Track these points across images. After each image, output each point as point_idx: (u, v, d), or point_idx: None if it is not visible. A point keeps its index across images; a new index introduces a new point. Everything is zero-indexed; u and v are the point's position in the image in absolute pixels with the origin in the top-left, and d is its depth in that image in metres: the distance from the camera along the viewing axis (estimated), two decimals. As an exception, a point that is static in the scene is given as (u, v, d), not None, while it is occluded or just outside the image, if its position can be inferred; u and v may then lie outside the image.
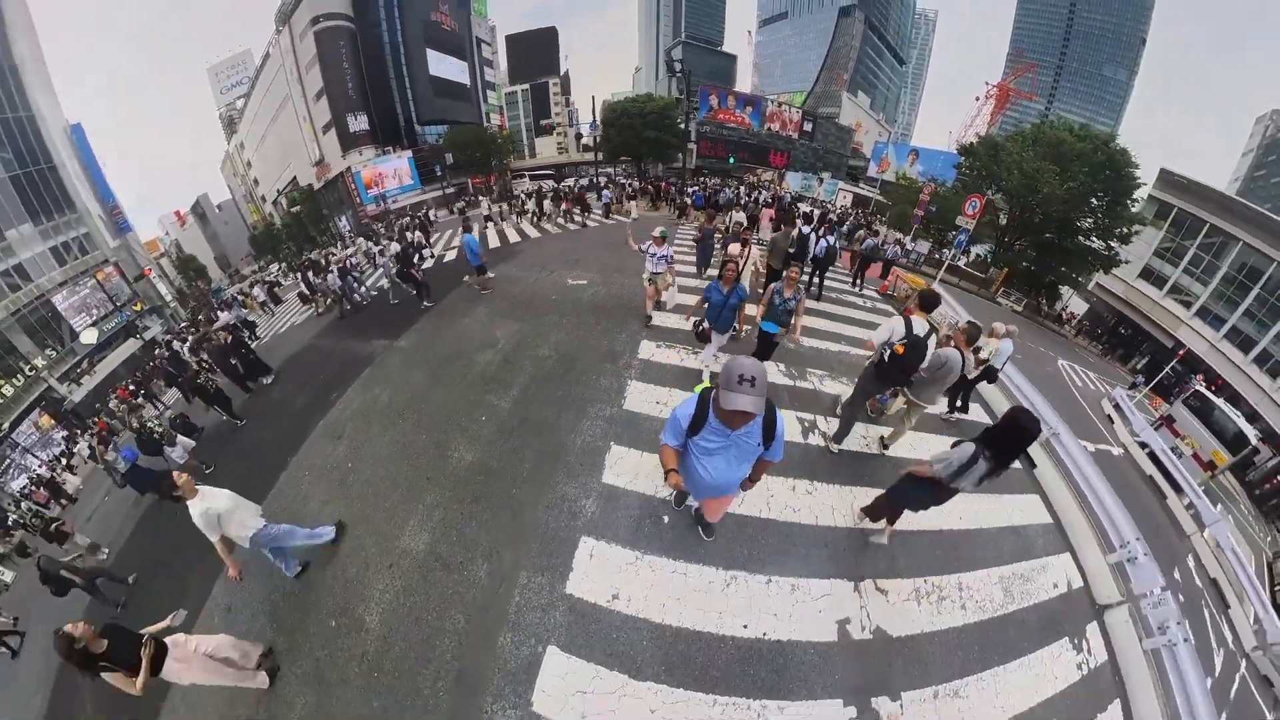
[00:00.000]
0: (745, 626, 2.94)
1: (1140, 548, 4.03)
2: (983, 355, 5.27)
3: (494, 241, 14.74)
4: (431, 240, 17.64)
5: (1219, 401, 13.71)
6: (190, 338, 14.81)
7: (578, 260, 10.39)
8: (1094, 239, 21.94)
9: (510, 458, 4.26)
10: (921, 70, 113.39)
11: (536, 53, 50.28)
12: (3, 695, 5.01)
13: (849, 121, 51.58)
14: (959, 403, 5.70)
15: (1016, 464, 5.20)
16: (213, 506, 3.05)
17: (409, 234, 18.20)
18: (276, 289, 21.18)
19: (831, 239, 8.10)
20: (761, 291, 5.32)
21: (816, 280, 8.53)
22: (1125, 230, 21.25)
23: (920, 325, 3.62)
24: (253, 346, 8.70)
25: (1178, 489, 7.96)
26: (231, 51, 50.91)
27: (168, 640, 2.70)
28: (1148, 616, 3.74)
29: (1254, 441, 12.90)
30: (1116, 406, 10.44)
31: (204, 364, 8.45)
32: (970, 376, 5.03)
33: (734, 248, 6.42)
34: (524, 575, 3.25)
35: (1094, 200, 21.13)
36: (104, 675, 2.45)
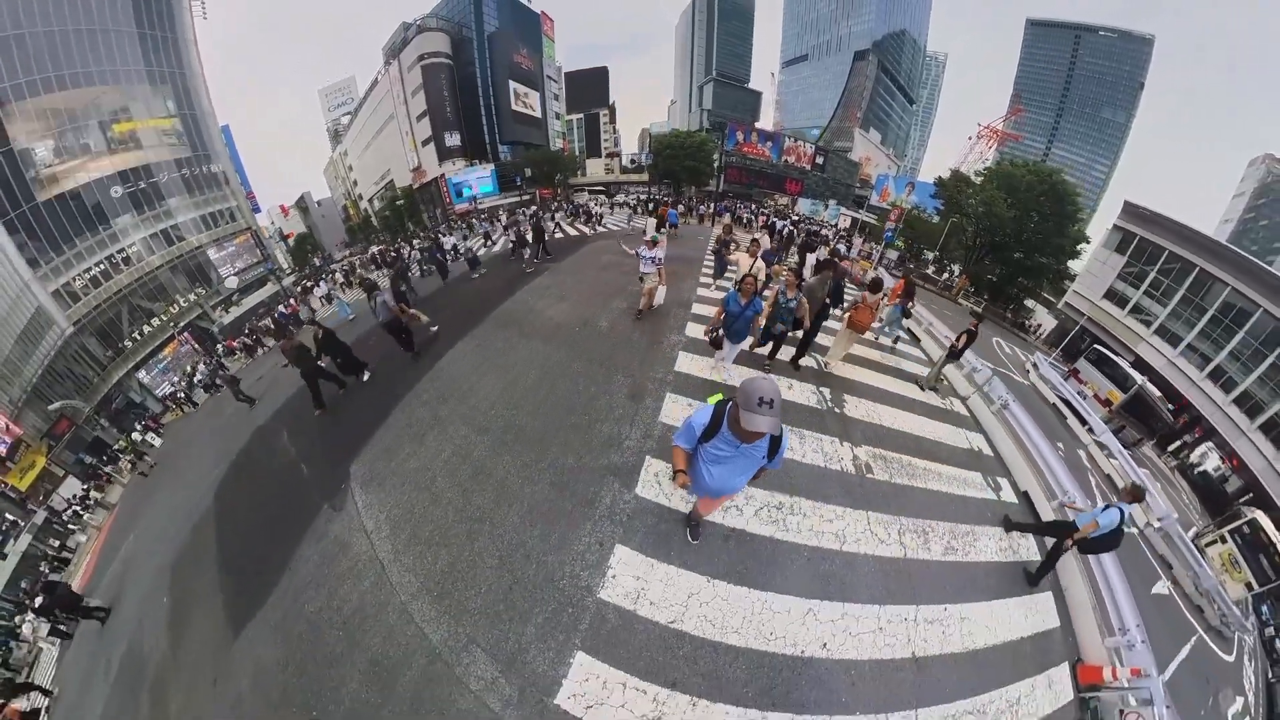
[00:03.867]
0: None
1: (986, 367, 7.51)
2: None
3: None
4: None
5: (1113, 356, 17.23)
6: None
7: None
8: (1048, 257, 25.56)
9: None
10: (932, 108, 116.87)
11: (590, 87, 56.79)
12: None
13: (860, 155, 56.35)
14: None
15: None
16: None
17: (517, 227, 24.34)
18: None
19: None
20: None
21: None
22: (1070, 247, 25.34)
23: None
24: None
25: (1087, 426, 9.41)
26: (339, 77, 58.32)
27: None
28: (989, 394, 7.12)
29: (1139, 383, 15.55)
30: (1034, 365, 12.95)
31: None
32: None
33: (743, 258, 7.01)
34: (671, 335, 7.21)
35: (1045, 222, 24.68)
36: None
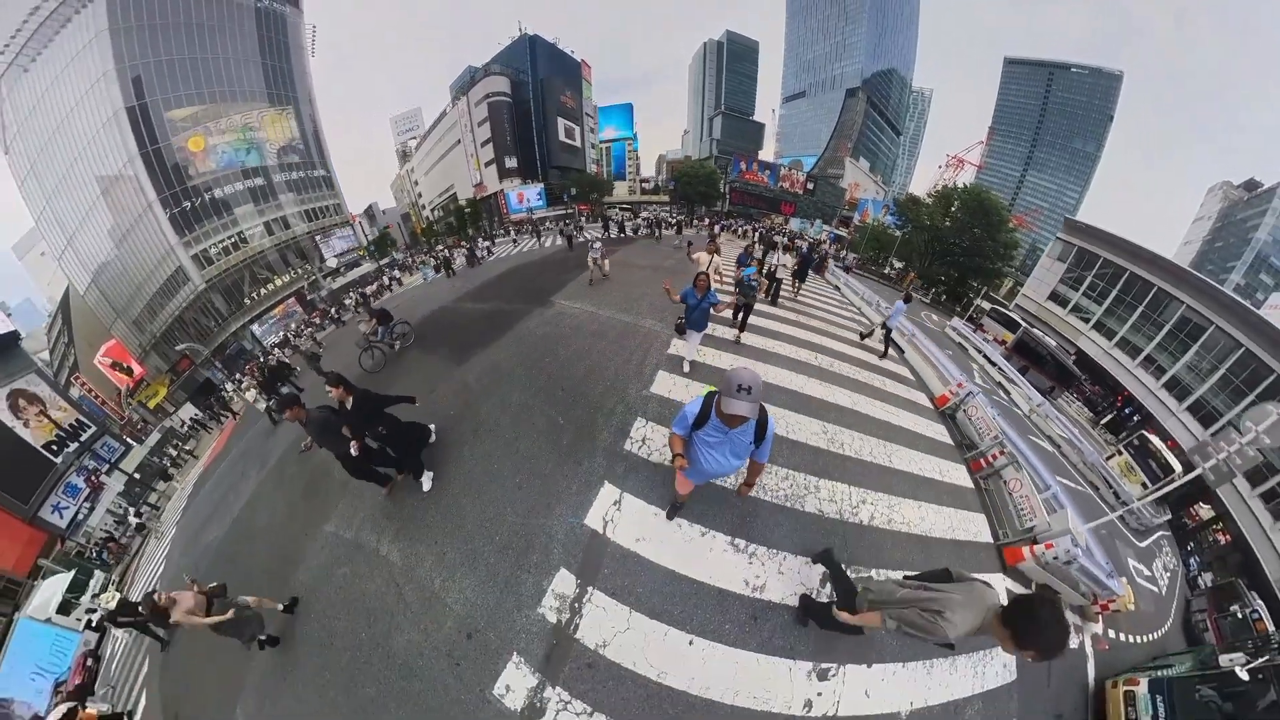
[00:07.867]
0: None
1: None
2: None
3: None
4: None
5: (1007, 312, 23.56)
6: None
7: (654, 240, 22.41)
8: (983, 258, 30.99)
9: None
10: (918, 138, 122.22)
11: (618, 120, 65.43)
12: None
13: (850, 182, 61.43)
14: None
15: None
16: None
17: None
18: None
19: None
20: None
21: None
22: (1003, 250, 30.75)
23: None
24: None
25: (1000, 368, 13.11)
26: (407, 108, 67.61)
27: None
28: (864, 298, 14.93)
29: (1022, 325, 20.89)
30: (954, 328, 16.66)
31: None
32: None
33: (702, 256, 8.10)
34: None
35: (979, 230, 30.57)
36: None
